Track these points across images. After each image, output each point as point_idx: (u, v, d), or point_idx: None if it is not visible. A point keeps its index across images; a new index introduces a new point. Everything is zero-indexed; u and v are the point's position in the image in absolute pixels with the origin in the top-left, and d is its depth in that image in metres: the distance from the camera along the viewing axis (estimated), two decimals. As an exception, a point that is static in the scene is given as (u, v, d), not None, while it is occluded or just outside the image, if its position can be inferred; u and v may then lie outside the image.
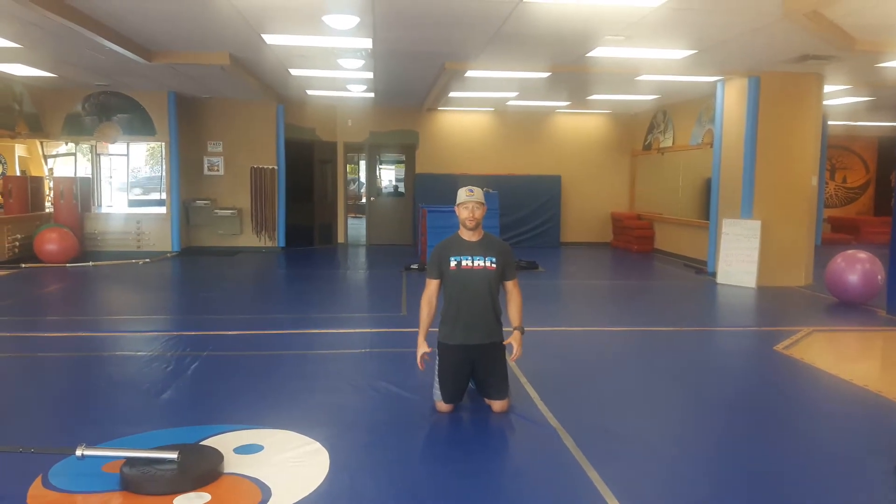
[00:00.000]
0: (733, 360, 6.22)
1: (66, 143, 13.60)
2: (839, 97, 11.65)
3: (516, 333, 4.39)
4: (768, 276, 9.54)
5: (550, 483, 3.46)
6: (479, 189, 4.41)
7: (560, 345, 6.38)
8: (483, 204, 4.35)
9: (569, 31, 7.14)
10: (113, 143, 12.97)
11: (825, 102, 10.99)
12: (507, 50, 8.12)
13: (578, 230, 15.05)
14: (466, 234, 4.39)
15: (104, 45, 7.56)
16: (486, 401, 4.44)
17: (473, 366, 4.38)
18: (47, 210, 12.11)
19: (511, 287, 4.47)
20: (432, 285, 4.43)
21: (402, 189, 15.61)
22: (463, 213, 4.34)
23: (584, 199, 14.97)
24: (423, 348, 4.39)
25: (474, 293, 4.32)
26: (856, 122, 15.50)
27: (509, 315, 4.46)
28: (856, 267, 8.14)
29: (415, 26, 7.09)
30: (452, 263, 4.32)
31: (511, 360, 4.51)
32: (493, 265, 4.33)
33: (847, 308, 8.19)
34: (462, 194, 4.36)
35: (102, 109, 12.23)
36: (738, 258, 9.62)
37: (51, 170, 13.54)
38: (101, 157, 14.92)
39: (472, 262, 4.31)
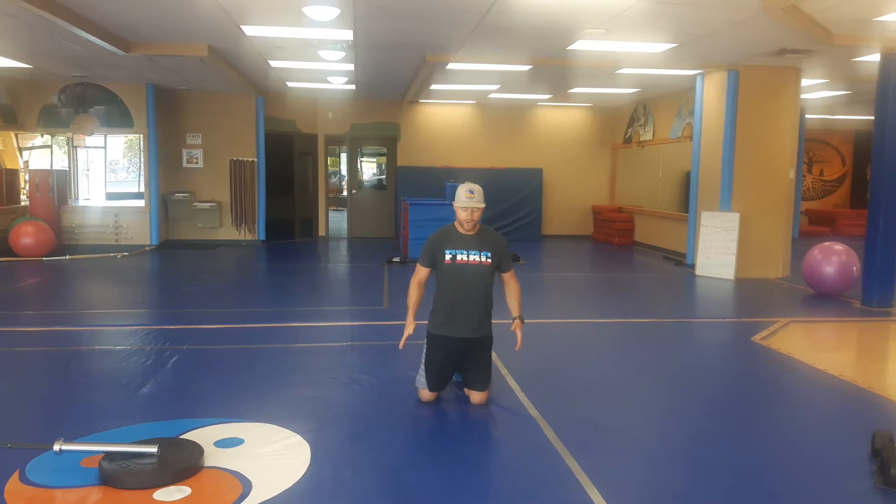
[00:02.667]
0: (712, 351, 6.30)
1: (42, 136, 13.39)
2: (817, 91, 11.78)
3: (517, 322, 4.41)
4: (746, 268, 9.64)
5: (532, 473, 3.48)
6: (480, 189, 4.33)
7: (541, 337, 6.40)
8: (482, 205, 4.31)
9: (550, 24, 7.14)
10: (90, 135, 12.79)
11: (803, 96, 11.12)
12: (489, 43, 8.11)
13: (560, 223, 15.10)
14: (462, 229, 4.36)
15: (81, 35, 7.45)
16: (466, 391, 4.46)
17: (461, 358, 4.39)
18: (23, 203, 11.94)
19: (508, 278, 4.50)
20: (423, 272, 4.42)
21: (383, 182, 15.56)
22: (462, 215, 4.30)
23: (566, 192, 15.03)
24: (409, 329, 4.38)
25: (468, 287, 4.32)
26: (833, 115, 15.68)
27: (509, 304, 4.49)
28: (832, 259, 8.25)
29: (395, 18, 7.06)
30: (447, 257, 4.31)
31: (517, 349, 4.47)
32: (489, 260, 4.33)
33: (823, 299, 8.31)
34: (462, 195, 4.28)
35: (79, 101, 12.07)
36: (716, 250, 9.71)
37: (26, 162, 13.32)
38: (78, 149, 14.71)
39: (468, 257, 4.31)
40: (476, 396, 4.40)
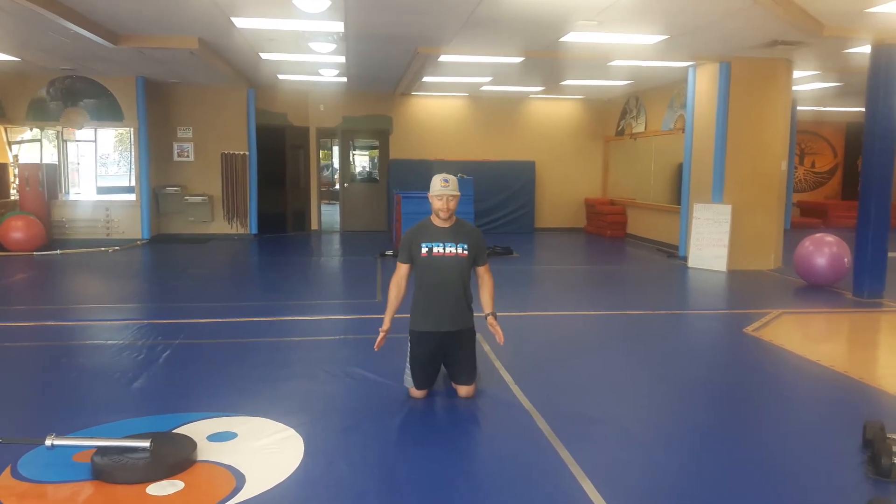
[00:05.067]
0: (704, 343, 6.32)
1: (31, 129, 13.30)
2: (808, 83, 11.81)
3: (491, 319, 4.39)
4: (738, 259, 9.67)
5: (524, 464, 3.48)
6: (454, 178, 4.34)
7: (534, 329, 6.41)
8: (457, 194, 4.30)
9: (542, 16, 7.13)
10: (80, 128, 12.71)
11: (794, 88, 11.13)
12: (481, 34, 8.09)
13: (552, 216, 15.11)
14: (438, 221, 4.35)
15: (69, 27, 7.38)
16: (453, 385, 4.46)
17: (445, 352, 4.38)
18: (13, 197, 11.85)
19: (483, 272, 4.47)
20: (402, 269, 4.40)
21: (375, 175, 15.54)
22: (437, 204, 4.28)
23: (558, 184, 15.04)
24: (385, 327, 4.36)
25: (445, 280, 4.30)
26: (824, 107, 15.73)
27: (482, 300, 4.45)
28: (823, 250, 8.29)
29: (387, 9, 7.03)
30: (423, 250, 4.29)
31: (500, 343, 4.42)
32: (465, 252, 4.31)
33: (815, 290, 8.34)
34: (436, 185, 4.27)
35: (68, 94, 11.98)
36: (709, 242, 9.73)
37: (15, 156, 13.22)
38: (68, 143, 14.61)
39: (444, 249, 4.28)
40: (463, 390, 4.39)
